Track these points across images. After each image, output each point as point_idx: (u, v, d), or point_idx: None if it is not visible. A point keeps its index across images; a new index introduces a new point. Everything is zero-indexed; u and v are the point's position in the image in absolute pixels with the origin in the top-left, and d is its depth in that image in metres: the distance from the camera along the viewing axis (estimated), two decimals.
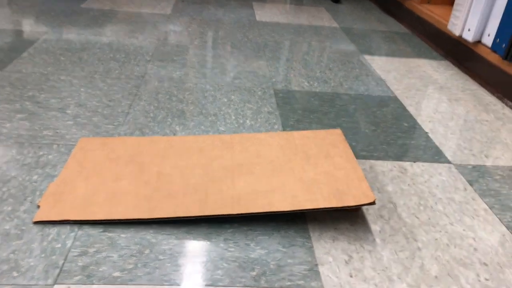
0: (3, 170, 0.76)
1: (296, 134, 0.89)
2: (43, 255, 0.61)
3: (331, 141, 0.86)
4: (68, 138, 0.88)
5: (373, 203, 0.69)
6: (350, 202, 0.69)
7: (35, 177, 0.76)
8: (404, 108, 1.17)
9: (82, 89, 1.08)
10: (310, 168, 0.78)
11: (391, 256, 0.67)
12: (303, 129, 1.01)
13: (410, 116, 1.13)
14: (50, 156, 0.81)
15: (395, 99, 1.23)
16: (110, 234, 0.65)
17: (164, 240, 0.65)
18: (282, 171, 0.77)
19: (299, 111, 1.10)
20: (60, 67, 1.20)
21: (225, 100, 1.11)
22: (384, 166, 0.90)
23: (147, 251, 0.63)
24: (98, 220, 0.67)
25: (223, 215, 0.68)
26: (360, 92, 1.25)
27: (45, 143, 0.85)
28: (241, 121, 1.01)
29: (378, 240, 0.70)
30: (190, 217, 0.67)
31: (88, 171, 0.77)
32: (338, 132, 0.90)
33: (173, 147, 0.84)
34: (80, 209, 0.68)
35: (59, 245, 0.63)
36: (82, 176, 0.75)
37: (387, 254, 0.67)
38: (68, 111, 0.97)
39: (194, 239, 0.66)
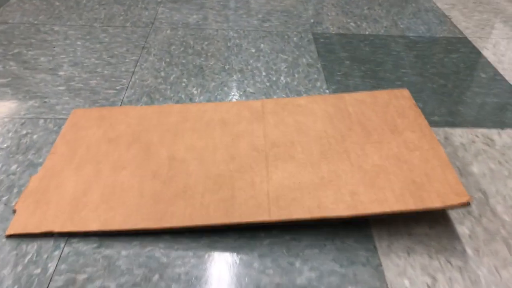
0: None
1: (348, 97, 0.68)
2: (16, 287, 0.45)
3: (397, 107, 0.65)
4: (59, 109, 0.70)
5: (467, 204, 0.49)
6: (434, 203, 0.49)
7: (13, 166, 0.59)
8: (478, 53, 0.93)
9: (78, 43, 0.88)
10: (373, 149, 0.58)
11: (491, 277, 0.48)
12: (354, 86, 0.79)
13: (488, 64, 0.89)
14: (34, 136, 0.64)
15: (466, 41, 0.98)
16: (107, 252, 0.49)
17: (178, 259, 0.48)
18: (333, 155, 0.57)
19: (346, 62, 0.87)
20: (54, 14, 0.99)
21: (253, 50, 0.90)
22: (463, 136, 0.69)
23: (155, 277, 0.46)
24: (92, 232, 0.50)
25: (256, 222, 0.50)
26: (420, 33, 1.00)
27: (30, 118, 0.67)
28: (274, 78, 0.81)
29: (469, 251, 0.51)
30: (212, 226, 0.50)
31: (80, 158, 0.59)
32: (405, 93, 0.68)
33: (188, 121, 0.65)
34: (68, 215, 0.51)
35: (38, 270, 0.46)
36: (73, 165, 0.58)
37: (484, 272, 0.49)
38: (61, 73, 0.79)
39: (219, 256, 0.49)
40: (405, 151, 0.57)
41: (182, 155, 0.59)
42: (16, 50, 0.84)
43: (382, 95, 0.68)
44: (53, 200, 0.53)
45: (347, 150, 0.58)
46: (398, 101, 0.66)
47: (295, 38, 0.95)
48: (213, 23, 1.00)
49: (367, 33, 0.99)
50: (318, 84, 0.80)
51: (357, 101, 0.67)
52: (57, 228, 0.50)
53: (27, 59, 0.82)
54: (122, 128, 0.64)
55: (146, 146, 0.61)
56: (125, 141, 0.62)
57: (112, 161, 0.58)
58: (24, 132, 0.64)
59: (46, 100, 0.71)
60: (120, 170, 0.57)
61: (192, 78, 0.79)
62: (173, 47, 0.89)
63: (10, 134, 0.64)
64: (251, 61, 0.86)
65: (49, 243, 0.49)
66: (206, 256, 0.49)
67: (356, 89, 0.79)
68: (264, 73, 0.82)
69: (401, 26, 1.03)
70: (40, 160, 0.60)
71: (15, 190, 0.55)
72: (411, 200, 0.50)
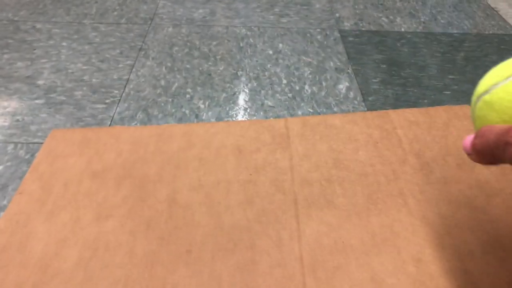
0: None
1: (396, 116, 0.54)
2: None
3: (459, 131, 0.51)
4: (33, 130, 0.56)
5: None
6: None
7: None
8: None
9: (64, 44, 0.75)
10: (436, 192, 0.44)
11: None
12: (395, 96, 0.65)
13: None
14: (0, 167, 0.51)
15: None
16: None
17: None
18: (385, 199, 0.43)
19: (382, 66, 0.73)
20: (38, 9, 0.85)
21: (270, 51, 0.76)
22: None
23: None
24: None
25: None
26: (466, 29, 0.85)
27: None
28: (297, 88, 0.67)
29: None
30: None
31: (55, 199, 0.46)
32: (467, 111, 0.54)
33: (194, 147, 0.51)
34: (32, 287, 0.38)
35: None
36: (45, 211, 0.45)
37: None
38: (40, 82, 0.65)
39: None
40: (480, 195, 0.43)
41: (185, 196, 0.46)
42: None
43: (439, 113, 0.54)
44: (13, 263, 0.40)
45: (403, 193, 0.44)
46: (461, 122, 0.52)
47: (319, 36, 0.81)
48: (222, 19, 0.85)
49: (402, 30, 0.84)
50: (351, 94, 0.66)
51: (407, 121, 0.53)
52: None
53: (1, 64, 0.68)
54: (111, 158, 0.51)
55: (141, 183, 0.47)
56: (114, 176, 0.48)
57: (96, 205, 0.45)
58: None
59: (19, 118, 0.58)
60: (105, 220, 0.44)
61: (199, 88, 0.65)
62: (176, 48, 0.75)
63: None
64: (268, 66, 0.72)
65: None
66: None
67: (398, 100, 0.65)
68: (284, 81, 0.68)
69: (442, 21, 0.88)
70: (4, 202, 0.47)
71: None
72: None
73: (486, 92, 0.29)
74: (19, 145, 0.54)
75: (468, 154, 0.30)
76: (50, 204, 0.45)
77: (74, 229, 0.43)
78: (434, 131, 0.51)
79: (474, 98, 0.31)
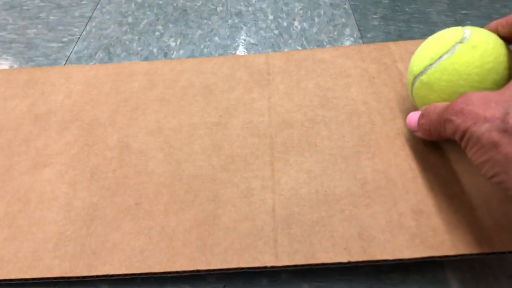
0: None
1: (396, 48, 0.45)
2: None
3: None
4: None
5: None
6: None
7: None
8: None
9: None
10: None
11: None
12: (398, 34, 0.56)
13: None
14: None
15: None
16: None
17: None
18: (380, 142, 0.35)
19: (384, 1, 0.64)
20: None
21: None
22: None
23: None
24: (13, 280, 0.30)
25: (259, 268, 0.29)
26: None
27: None
28: (285, 24, 0.58)
29: None
30: (177, 272, 0.29)
31: None
32: None
33: (155, 86, 0.43)
34: None
35: None
36: None
37: None
38: None
39: None
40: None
41: (140, 142, 0.38)
42: None
43: None
44: None
45: (402, 134, 0.36)
46: None
47: None
48: None
49: None
50: (347, 31, 0.57)
51: (409, 53, 0.44)
52: None
53: None
54: (59, 99, 0.43)
55: (89, 127, 0.40)
56: (59, 119, 0.41)
57: (34, 152, 0.38)
58: None
59: None
60: (42, 168, 0.36)
61: (170, 25, 0.57)
62: None
63: None
64: (253, 1, 0.63)
65: None
66: None
67: (400, 37, 0.56)
68: (271, 17, 0.59)
69: None
70: None
71: None
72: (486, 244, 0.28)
73: (422, 73, 0.31)
74: None
75: (414, 131, 0.32)
76: None
77: (3, 179, 0.35)
78: None
79: (410, 77, 0.33)
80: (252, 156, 0.36)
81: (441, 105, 0.28)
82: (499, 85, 0.28)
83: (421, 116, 0.31)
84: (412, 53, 0.44)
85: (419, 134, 0.31)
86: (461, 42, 0.30)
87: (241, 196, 0.33)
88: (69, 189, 0.35)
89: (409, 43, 0.46)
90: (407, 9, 0.62)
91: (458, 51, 0.29)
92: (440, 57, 0.30)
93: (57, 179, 0.35)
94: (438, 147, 0.34)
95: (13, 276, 0.29)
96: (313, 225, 0.30)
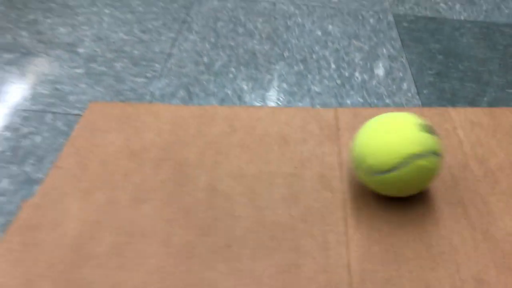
0: None
1: (456, 114, 0.50)
2: None
3: None
4: (72, 100, 0.54)
5: None
6: None
7: (4, 183, 0.44)
8: None
9: (106, 11, 0.72)
10: (501, 205, 0.40)
11: None
12: (451, 91, 0.60)
13: None
14: (37, 138, 0.49)
15: None
16: None
17: None
18: (444, 208, 0.40)
19: (439, 56, 0.68)
20: None
21: (319, 33, 0.71)
22: None
23: None
24: None
25: None
26: None
27: (35, 111, 0.52)
28: (346, 74, 0.62)
29: None
30: None
31: (91, 177, 0.44)
32: None
33: (236, 132, 0.49)
34: (66, 268, 0.36)
35: None
36: (80, 188, 0.43)
37: None
38: (80, 50, 0.63)
39: None
40: None
41: (226, 185, 0.43)
42: (31, 16, 0.69)
43: (505, 115, 0.49)
44: (47, 241, 0.38)
45: (463, 203, 0.40)
46: None
47: (371, 20, 0.76)
48: None
49: (462, 18, 0.78)
50: (405, 85, 0.61)
51: (469, 122, 0.48)
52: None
53: (43, 29, 0.66)
54: (150, 137, 0.48)
55: (180, 167, 0.45)
56: (152, 157, 0.46)
57: (133, 187, 0.43)
58: (26, 130, 0.50)
59: (59, 86, 0.56)
60: (142, 204, 0.42)
61: (242, 68, 0.62)
62: (220, 23, 0.71)
63: (8, 132, 0.49)
64: (316, 48, 0.68)
65: None
66: None
67: (454, 95, 0.60)
68: (333, 66, 0.64)
69: (506, 11, 0.81)
70: (39, 175, 0.45)
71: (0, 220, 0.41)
72: None
73: (382, 172, 0.37)
74: (58, 116, 0.52)
75: None
76: (86, 181, 0.44)
77: (109, 211, 0.41)
78: (499, 135, 0.47)
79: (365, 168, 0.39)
80: (327, 210, 0.40)
81: None
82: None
83: None
84: (472, 122, 0.48)
85: None
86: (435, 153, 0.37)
87: (319, 248, 0.37)
88: (167, 226, 0.40)
89: (468, 111, 0.50)
90: (460, 66, 0.66)
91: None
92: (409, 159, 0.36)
93: (155, 214, 0.41)
94: (499, 218, 0.38)
95: None
96: (385, 283, 0.35)
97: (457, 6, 0.82)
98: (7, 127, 0.50)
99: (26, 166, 0.46)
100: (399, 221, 0.39)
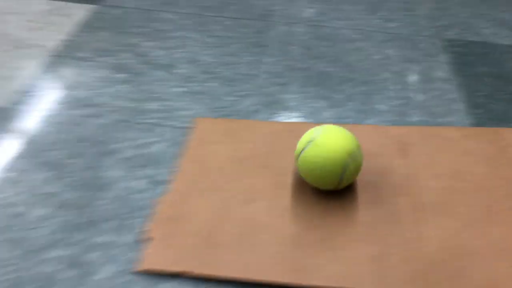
0: (103, 174, 0.57)
1: (509, 134, 0.59)
2: None
3: None
4: (177, 115, 0.66)
5: None
6: None
7: (133, 183, 0.55)
8: None
9: (192, 35, 0.84)
10: None
11: None
12: (501, 112, 0.69)
13: None
14: (153, 147, 0.60)
15: None
16: None
17: None
18: (504, 212, 0.49)
19: (487, 79, 0.77)
20: None
21: (378, 56, 0.81)
22: None
23: None
24: (230, 279, 0.46)
25: None
26: None
27: (150, 123, 0.64)
28: (408, 95, 0.72)
29: None
30: None
31: (207, 181, 0.55)
32: None
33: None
34: (204, 255, 0.47)
35: None
36: (199, 190, 0.54)
37: None
38: (177, 70, 0.74)
39: None
40: None
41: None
42: (134, 40, 0.81)
43: None
44: (186, 232, 0.49)
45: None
46: None
47: (422, 44, 0.85)
48: (331, 20, 0.91)
49: (507, 43, 0.87)
50: (456, 106, 0.70)
51: None
52: (195, 270, 0.46)
53: (144, 52, 0.78)
54: (250, 148, 0.59)
55: (277, 176, 0.56)
56: (254, 164, 0.57)
57: (243, 189, 0.54)
58: (144, 140, 0.61)
59: (166, 103, 0.68)
60: (250, 203, 0.52)
61: (316, 88, 0.72)
62: (292, 47, 0.82)
63: (139, 139, 0.61)
64: (377, 70, 0.77)
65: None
66: None
67: (504, 116, 0.69)
68: (393, 87, 0.74)
69: None
70: (160, 178, 0.56)
71: (136, 215, 0.52)
72: None
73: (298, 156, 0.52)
74: (166, 128, 0.63)
75: None
76: (202, 185, 0.54)
77: (225, 210, 0.51)
78: None
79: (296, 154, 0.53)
80: (399, 212, 0.50)
81: None
82: (337, 173, 0.49)
83: None
84: None
85: None
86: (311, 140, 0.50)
87: (400, 241, 0.47)
88: (276, 220, 0.50)
89: None
90: (509, 89, 0.75)
91: (308, 148, 0.49)
92: (302, 150, 0.50)
93: (264, 211, 0.51)
94: None
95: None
96: (462, 267, 0.44)
97: (504, 32, 0.90)
98: (135, 138, 0.62)
99: (147, 170, 0.58)
100: (471, 221, 0.49)
